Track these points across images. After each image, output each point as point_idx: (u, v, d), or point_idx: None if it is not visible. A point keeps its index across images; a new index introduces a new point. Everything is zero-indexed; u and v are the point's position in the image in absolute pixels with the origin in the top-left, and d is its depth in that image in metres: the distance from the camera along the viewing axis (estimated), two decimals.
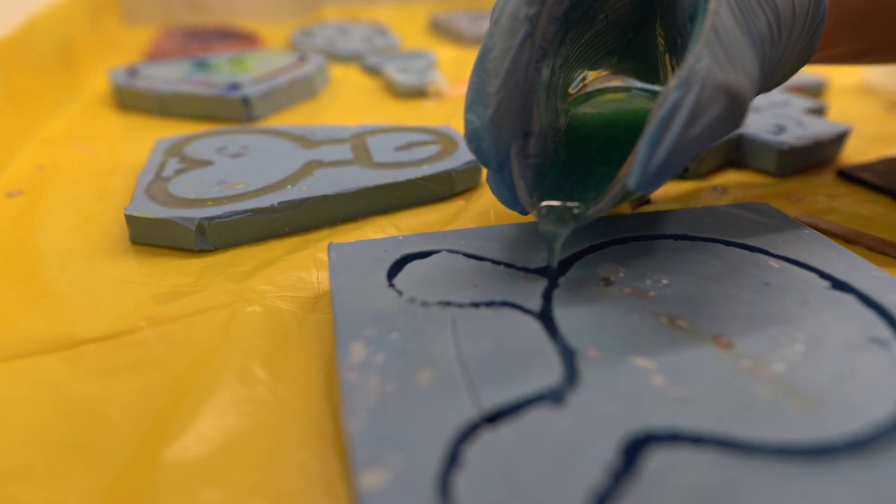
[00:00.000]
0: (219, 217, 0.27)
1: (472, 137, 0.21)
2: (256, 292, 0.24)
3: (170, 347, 0.21)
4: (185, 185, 0.30)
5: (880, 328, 0.19)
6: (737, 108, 0.19)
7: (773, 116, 0.38)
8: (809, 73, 0.50)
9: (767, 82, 0.23)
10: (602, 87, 0.30)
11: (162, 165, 0.32)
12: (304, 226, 0.29)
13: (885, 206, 0.32)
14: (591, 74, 0.30)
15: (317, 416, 0.18)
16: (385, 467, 0.14)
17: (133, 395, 0.19)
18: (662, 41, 0.25)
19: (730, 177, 0.36)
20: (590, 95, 0.30)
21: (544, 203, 0.22)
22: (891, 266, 0.27)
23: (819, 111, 0.41)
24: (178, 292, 0.24)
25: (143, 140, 0.39)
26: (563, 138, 0.26)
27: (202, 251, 0.27)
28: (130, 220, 0.27)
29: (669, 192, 0.33)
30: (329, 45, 0.60)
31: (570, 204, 0.22)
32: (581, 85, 0.29)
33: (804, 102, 0.41)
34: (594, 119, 0.28)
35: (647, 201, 0.32)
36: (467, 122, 0.21)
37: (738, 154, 0.37)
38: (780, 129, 0.37)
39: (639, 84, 0.30)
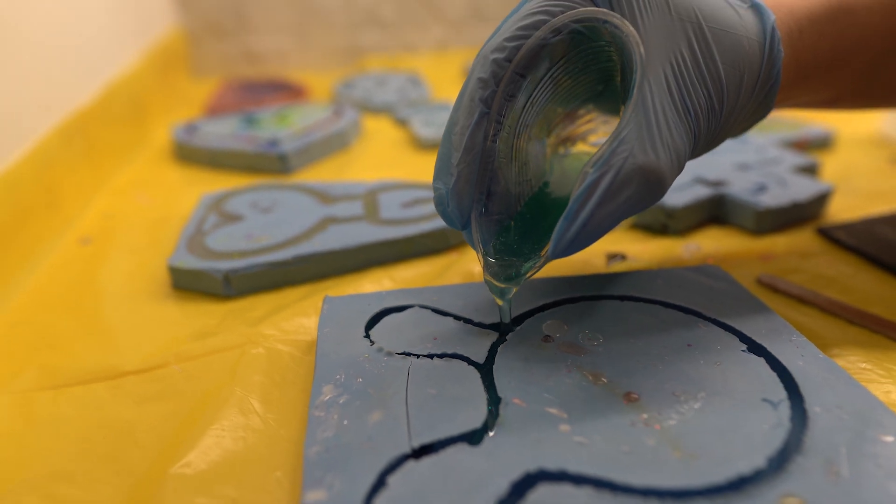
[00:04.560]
0: (242, 269, 0.32)
1: (439, 203, 0.24)
2: (263, 336, 0.29)
3: (189, 381, 0.26)
4: (219, 239, 0.35)
5: (777, 390, 0.22)
6: (653, 187, 0.21)
7: (758, 175, 0.41)
8: (816, 125, 0.52)
9: (711, 145, 0.25)
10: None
11: (203, 220, 0.38)
12: (314, 275, 0.34)
13: (853, 267, 0.34)
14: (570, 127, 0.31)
15: (297, 442, 0.23)
16: (326, 488, 0.19)
17: (157, 419, 0.24)
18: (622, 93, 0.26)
19: (710, 234, 0.38)
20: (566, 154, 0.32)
21: (494, 259, 0.25)
22: (841, 327, 0.29)
23: (810, 169, 0.43)
24: (203, 333, 0.30)
25: (195, 191, 0.45)
26: (534, 188, 0.28)
27: (228, 297, 0.33)
28: (172, 269, 0.33)
29: (646, 248, 0.36)
30: (366, 96, 0.66)
31: (516, 262, 0.24)
32: (566, 135, 0.30)
33: (796, 159, 0.43)
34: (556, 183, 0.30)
35: (623, 257, 0.35)
36: (435, 190, 0.24)
37: (721, 211, 0.39)
38: (761, 189, 0.39)
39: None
